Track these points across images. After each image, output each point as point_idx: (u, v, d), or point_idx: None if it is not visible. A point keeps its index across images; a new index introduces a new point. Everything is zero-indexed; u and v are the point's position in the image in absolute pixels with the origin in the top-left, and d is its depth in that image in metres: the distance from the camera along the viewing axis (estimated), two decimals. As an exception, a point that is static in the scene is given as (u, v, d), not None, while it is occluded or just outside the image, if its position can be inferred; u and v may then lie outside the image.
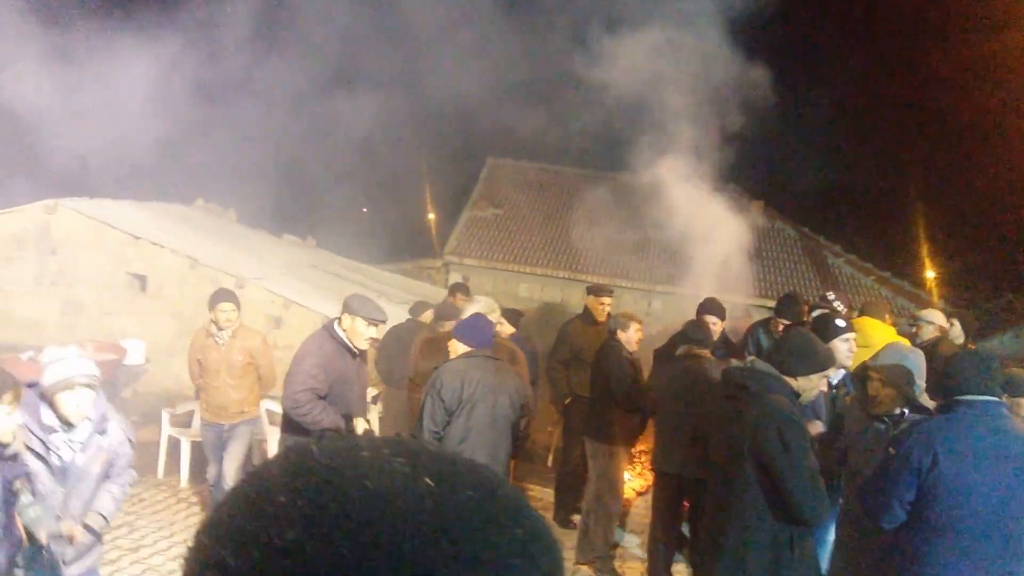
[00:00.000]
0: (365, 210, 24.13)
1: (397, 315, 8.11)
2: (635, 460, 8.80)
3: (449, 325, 6.56)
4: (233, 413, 6.27)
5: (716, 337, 6.39)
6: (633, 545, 6.99)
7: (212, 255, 10.58)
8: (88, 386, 3.79)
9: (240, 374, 6.23)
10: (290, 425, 5.23)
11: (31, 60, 10.26)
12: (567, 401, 7.42)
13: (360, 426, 5.35)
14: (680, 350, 5.91)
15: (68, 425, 3.80)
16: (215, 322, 6.17)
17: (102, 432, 3.95)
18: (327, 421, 5.09)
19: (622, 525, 7.12)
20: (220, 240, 12.00)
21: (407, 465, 0.63)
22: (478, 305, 6.07)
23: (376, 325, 5.29)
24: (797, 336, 3.99)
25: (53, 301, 9.99)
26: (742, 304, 8.36)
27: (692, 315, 6.56)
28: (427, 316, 7.50)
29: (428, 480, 0.62)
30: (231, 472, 6.29)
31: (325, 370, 5.11)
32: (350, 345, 5.24)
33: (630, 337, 6.37)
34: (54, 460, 3.76)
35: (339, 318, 5.30)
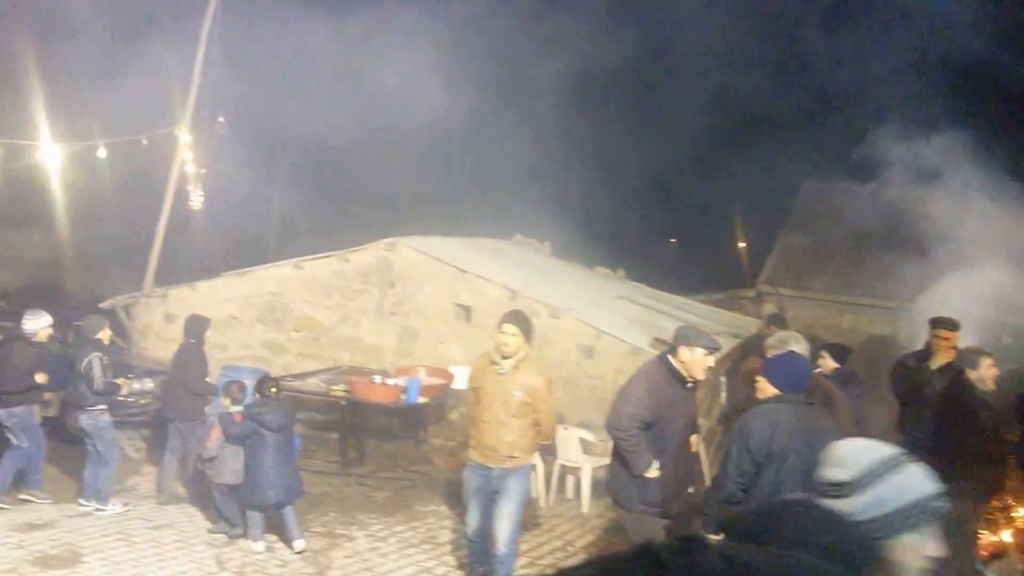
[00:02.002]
0: (673, 240, 24.00)
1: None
2: (992, 517, 7.68)
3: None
4: (502, 456, 5.49)
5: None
6: (991, 617, 6.08)
7: (529, 287, 11.02)
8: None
9: (516, 412, 5.47)
10: (620, 455, 5.24)
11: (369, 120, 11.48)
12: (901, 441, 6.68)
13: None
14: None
15: None
16: (498, 346, 5.51)
17: None
18: (639, 460, 5.04)
19: (976, 592, 6.22)
20: (536, 272, 12.49)
21: None
22: (796, 343, 5.68)
23: (713, 353, 5.21)
24: None
25: (392, 329, 10.98)
26: None
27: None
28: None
29: None
30: (505, 535, 5.52)
31: (654, 397, 5.09)
32: (683, 375, 5.18)
33: (982, 376, 5.60)
34: None
35: (672, 349, 5.27)
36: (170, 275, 12.25)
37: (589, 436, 8.51)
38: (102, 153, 13.50)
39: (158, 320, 11.89)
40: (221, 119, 12.72)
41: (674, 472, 5.17)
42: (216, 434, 6.75)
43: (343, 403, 9.28)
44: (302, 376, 10.02)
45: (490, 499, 5.56)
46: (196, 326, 8.49)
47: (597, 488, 8.17)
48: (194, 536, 6.85)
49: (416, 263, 10.99)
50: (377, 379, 9.36)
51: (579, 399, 10.12)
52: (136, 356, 11.47)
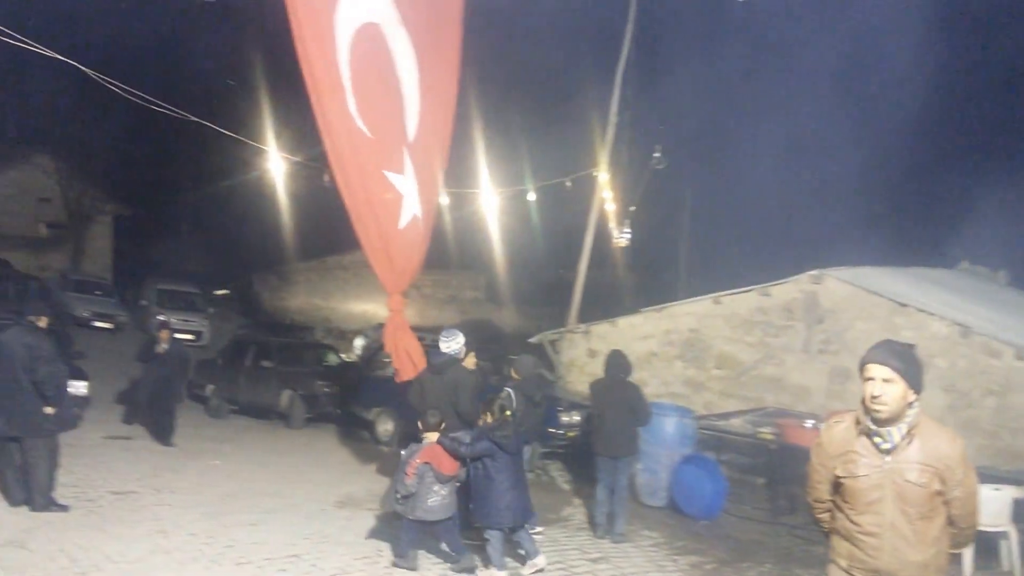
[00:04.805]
0: None
1: None
2: None
3: None
4: None
5: None
6: None
7: (984, 322, 9.59)
8: None
9: (923, 512, 3.18)
10: None
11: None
12: None
13: None
14: None
15: None
16: (865, 402, 3.19)
17: None
18: None
19: None
20: (991, 306, 10.89)
21: None
22: None
23: None
24: None
25: (820, 368, 10.21)
26: None
27: None
28: None
29: None
30: None
31: None
32: None
33: None
34: None
35: None
36: (591, 311, 12.74)
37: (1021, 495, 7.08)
38: (531, 197, 14.61)
39: (581, 355, 12.39)
40: (657, 153, 12.96)
41: None
42: (413, 469, 6.51)
43: (771, 447, 8.76)
44: (725, 416, 9.70)
45: None
46: (618, 363, 8.29)
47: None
48: (630, 571, 6.82)
49: (846, 296, 10.14)
50: (809, 423, 8.71)
51: (1060, 457, 8.51)
52: (563, 389, 12.03)
